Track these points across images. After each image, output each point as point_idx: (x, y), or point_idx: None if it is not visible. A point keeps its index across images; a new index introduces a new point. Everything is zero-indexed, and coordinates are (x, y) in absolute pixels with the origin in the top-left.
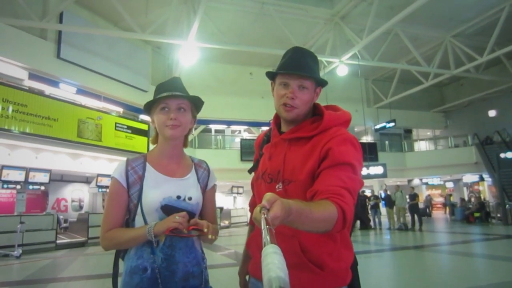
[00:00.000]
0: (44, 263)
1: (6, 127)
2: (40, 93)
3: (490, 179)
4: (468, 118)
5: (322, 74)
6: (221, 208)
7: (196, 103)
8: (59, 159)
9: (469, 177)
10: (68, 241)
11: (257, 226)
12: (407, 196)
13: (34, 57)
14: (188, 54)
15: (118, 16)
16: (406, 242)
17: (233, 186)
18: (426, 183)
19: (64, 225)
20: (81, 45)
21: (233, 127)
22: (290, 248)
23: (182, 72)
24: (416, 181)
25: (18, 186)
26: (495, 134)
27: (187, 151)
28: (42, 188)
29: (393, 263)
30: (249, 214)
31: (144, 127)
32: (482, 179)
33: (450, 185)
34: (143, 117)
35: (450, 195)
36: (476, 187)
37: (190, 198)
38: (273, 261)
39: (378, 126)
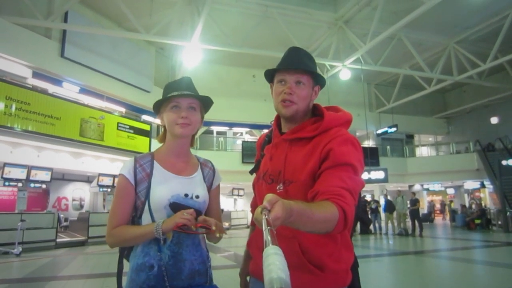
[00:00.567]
0: (44, 262)
1: (8, 125)
2: (43, 92)
3: (491, 186)
4: (470, 125)
5: (324, 77)
6: (222, 210)
7: (206, 103)
8: (61, 157)
9: (470, 184)
10: (68, 239)
11: (258, 227)
12: (408, 202)
13: (38, 55)
14: (192, 56)
15: (123, 16)
16: (406, 248)
17: (233, 188)
18: (427, 189)
19: (65, 223)
20: (85, 44)
21: (235, 129)
22: (290, 249)
23: (185, 73)
24: (417, 187)
25: (20, 184)
26: (497, 141)
27: None
28: (44, 186)
29: (392, 268)
30: (249, 216)
31: (146, 127)
32: (483, 185)
33: (451, 191)
34: (146, 117)
35: (451, 201)
36: (477, 193)
37: (197, 196)
38: (275, 262)
39: (380, 131)
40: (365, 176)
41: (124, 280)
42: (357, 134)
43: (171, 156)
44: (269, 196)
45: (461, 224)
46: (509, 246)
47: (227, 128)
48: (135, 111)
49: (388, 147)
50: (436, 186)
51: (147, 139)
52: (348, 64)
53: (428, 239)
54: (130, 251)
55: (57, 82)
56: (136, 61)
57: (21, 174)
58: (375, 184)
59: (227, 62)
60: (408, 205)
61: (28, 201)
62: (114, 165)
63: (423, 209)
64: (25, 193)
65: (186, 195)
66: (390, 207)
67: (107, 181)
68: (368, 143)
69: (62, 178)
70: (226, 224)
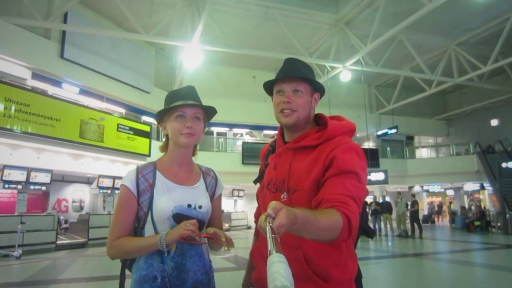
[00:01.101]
0: (44, 264)
1: (8, 127)
2: (43, 93)
3: (491, 188)
4: (470, 127)
5: (325, 79)
6: (222, 211)
7: (210, 113)
8: (61, 159)
9: (470, 186)
10: (69, 242)
11: (262, 235)
12: (408, 203)
13: (37, 56)
14: (192, 57)
15: (123, 17)
16: (405, 250)
17: (234, 189)
18: (427, 190)
19: (65, 225)
20: (85, 45)
21: (235, 130)
22: (294, 258)
23: (185, 74)
24: (417, 188)
25: (19, 186)
26: (497, 143)
27: None
28: (43, 188)
29: (392, 271)
30: (249, 216)
31: (146, 128)
32: (483, 187)
33: (450, 193)
34: (145, 118)
35: (451, 202)
36: (476, 195)
37: (200, 207)
38: (279, 270)
39: (380, 132)
40: None
41: None
42: (357, 135)
43: (174, 165)
44: (273, 204)
45: (461, 226)
46: (509, 249)
47: (227, 129)
48: (135, 112)
49: (388, 148)
50: (436, 188)
51: (147, 140)
52: (349, 66)
53: (427, 241)
54: (132, 261)
55: (57, 83)
56: (136, 62)
57: (21, 176)
58: (375, 185)
59: (228, 63)
60: (408, 207)
61: (28, 203)
62: (114, 167)
63: (423, 210)
64: (25, 195)
65: (189, 205)
66: (388, 208)
67: (107, 182)
68: (368, 144)
69: (62, 179)
70: (226, 225)
